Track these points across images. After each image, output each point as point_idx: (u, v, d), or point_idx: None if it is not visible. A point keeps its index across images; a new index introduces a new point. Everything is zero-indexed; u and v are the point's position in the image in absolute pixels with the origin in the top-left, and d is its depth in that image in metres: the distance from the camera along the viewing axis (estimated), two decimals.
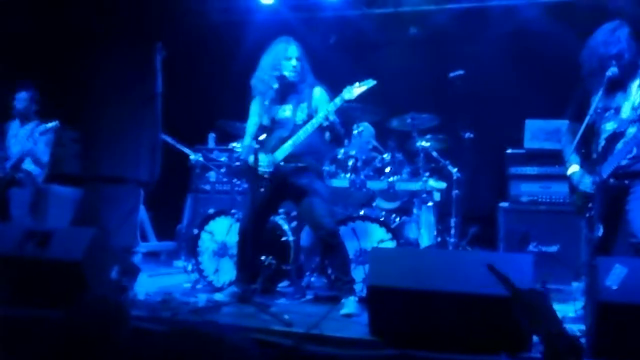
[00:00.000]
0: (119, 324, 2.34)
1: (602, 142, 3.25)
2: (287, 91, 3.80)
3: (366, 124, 4.79)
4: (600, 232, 3.14)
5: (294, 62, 3.73)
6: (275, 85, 3.73)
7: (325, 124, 3.58)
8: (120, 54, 6.15)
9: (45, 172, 5.36)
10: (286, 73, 3.71)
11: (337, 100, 3.57)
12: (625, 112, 3.18)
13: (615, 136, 3.18)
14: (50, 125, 5.05)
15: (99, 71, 6.29)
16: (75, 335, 2.29)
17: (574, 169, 3.34)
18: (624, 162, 3.13)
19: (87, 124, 5.97)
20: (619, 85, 3.21)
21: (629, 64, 3.18)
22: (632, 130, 3.14)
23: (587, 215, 3.28)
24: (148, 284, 4.29)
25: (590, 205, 3.25)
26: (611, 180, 3.15)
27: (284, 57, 3.73)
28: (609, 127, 3.24)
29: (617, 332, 2.46)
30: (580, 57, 3.33)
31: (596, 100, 3.19)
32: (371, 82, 3.56)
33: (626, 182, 3.15)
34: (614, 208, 3.18)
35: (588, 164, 3.33)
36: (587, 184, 3.24)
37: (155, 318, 3.22)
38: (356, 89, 3.54)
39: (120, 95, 6.17)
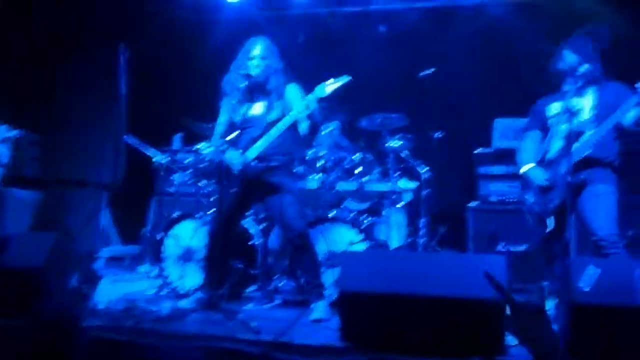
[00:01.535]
0: (70, 336, 2.24)
1: (561, 142, 3.36)
2: (255, 90, 3.74)
3: (336, 122, 4.72)
4: (552, 227, 3.29)
5: (256, 61, 3.68)
6: (243, 85, 3.65)
7: (303, 116, 3.50)
8: (82, 54, 5.96)
9: (3, 173, 5.17)
10: (251, 72, 3.65)
11: (310, 98, 3.49)
12: (585, 114, 3.34)
13: (575, 135, 3.25)
14: (11, 133, 4.93)
15: (60, 72, 6.09)
16: (27, 347, 2.19)
17: (529, 166, 3.48)
18: (580, 159, 3.24)
19: (47, 125, 5.77)
20: (579, 91, 3.34)
21: (593, 70, 3.32)
22: (590, 130, 3.26)
23: (537, 211, 3.41)
24: (111, 291, 4.15)
25: (541, 201, 3.37)
26: (568, 177, 3.19)
27: (248, 57, 3.70)
28: (567, 127, 3.31)
29: (590, 334, 2.44)
30: (551, 63, 3.48)
31: (561, 103, 3.27)
32: (345, 78, 3.48)
33: (582, 177, 3.23)
34: (571, 205, 3.21)
35: (544, 162, 3.46)
36: (542, 178, 3.38)
37: (116, 328, 3.09)
38: (329, 86, 3.47)
39: (82, 97, 5.98)
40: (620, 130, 3.28)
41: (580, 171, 3.23)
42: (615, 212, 3.19)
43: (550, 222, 3.29)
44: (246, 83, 3.67)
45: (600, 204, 3.19)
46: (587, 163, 3.24)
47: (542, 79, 3.59)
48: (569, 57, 3.37)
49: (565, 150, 3.23)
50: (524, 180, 3.53)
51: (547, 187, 3.36)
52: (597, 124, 3.24)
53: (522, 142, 3.66)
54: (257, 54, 3.69)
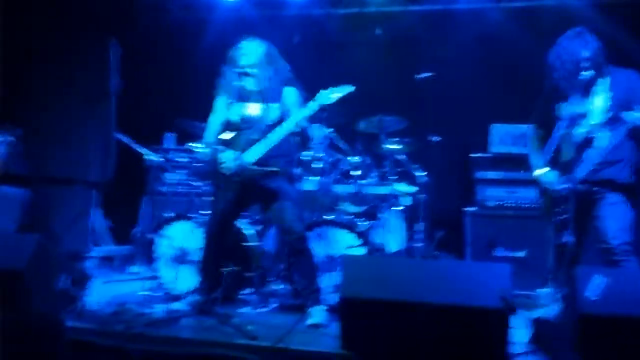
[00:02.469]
0: (54, 339, 2.18)
1: (573, 148, 3.25)
2: (251, 89, 3.65)
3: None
4: (570, 237, 3.17)
5: (252, 59, 3.59)
6: (238, 83, 3.58)
7: (297, 129, 3.43)
8: (72, 49, 5.85)
9: None
10: (246, 70, 3.58)
11: (312, 105, 3.41)
12: (595, 117, 3.19)
13: (586, 142, 3.18)
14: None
15: (47, 68, 5.98)
16: (10, 349, 2.13)
17: (542, 170, 3.35)
18: (594, 168, 3.14)
19: (33, 121, 5.64)
20: (588, 88, 3.20)
21: (597, 67, 3.17)
22: (602, 134, 3.14)
23: (555, 219, 3.28)
24: (101, 292, 4.05)
25: (558, 209, 3.25)
26: (583, 186, 3.13)
27: (243, 55, 3.62)
28: (580, 130, 3.24)
29: (598, 344, 2.38)
30: (549, 62, 3.30)
31: (569, 105, 3.17)
32: (348, 88, 3.41)
33: (597, 188, 3.15)
34: (583, 214, 3.18)
35: (558, 167, 3.33)
36: (557, 186, 3.25)
37: (106, 332, 2.99)
38: (332, 95, 3.39)
39: (69, 93, 5.87)
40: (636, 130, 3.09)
41: (593, 179, 3.14)
42: (629, 221, 3.11)
43: (569, 233, 3.17)
44: (241, 81, 3.58)
45: (615, 213, 3.11)
46: (600, 171, 3.14)
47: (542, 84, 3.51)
48: (567, 63, 3.18)
49: (577, 158, 3.15)
50: (540, 185, 3.38)
51: (561, 195, 3.24)
52: (609, 126, 3.11)
53: (530, 141, 3.51)
54: (252, 52, 3.61)
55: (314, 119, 4.47)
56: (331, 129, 4.56)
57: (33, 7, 5.70)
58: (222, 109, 3.69)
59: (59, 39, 5.81)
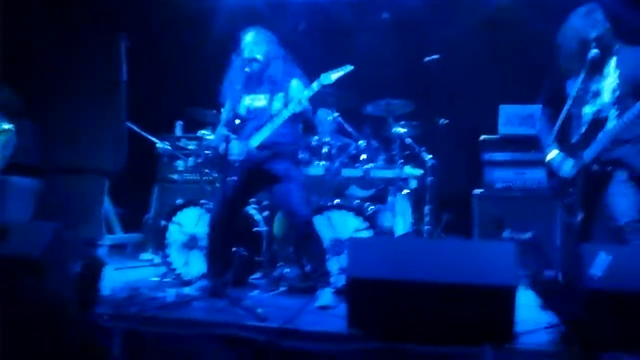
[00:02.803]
0: (71, 323, 2.24)
1: (584, 127, 3.22)
2: (256, 79, 3.70)
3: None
4: (580, 217, 3.14)
5: (254, 50, 3.64)
6: (243, 75, 3.63)
7: (299, 109, 3.44)
8: (82, 41, 5.91)
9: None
10: (251, 62, 3.63)
11: (314, 85, 3.45)
12: (606, 95, 3.15)
13: (598, 121, 3.14)
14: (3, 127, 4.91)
15: (58, 59, 6.04)
16: (28, 334, 2.19)
17: (553, 153, 3.30)
18: (604, 148, 3.10)
19: (45, 112, 5.72)
20: (597, 68, 3.17)
21: (606, 46, 3.14)
22: (613, 113, 3.11)
23: (566, 200, 3.26)
24: (115, 278, 4.12)
25: (570, 190, 3.23)
26: (594, 166, 3.11)
27: (245, 46, 3.68)
28: (589, 110, 3.21)
29: (604, 321, 2.40)
30: (556, 41, 3.29)
31: (577, 84, 3.15)
32: (348, 67, 3.45)
33: (609, 168, 3.12)
34: (594, 194, 3.15)
35: (567, 148, 3.29)
36: (567, 169, 3.22)
37: (119, 316, 3.06)
38: (334, 75, 3.43)
39: (80, 84, 5.93)
40: None
41: (604, 159, 3.11)
42: (637, 198, 3.05)
43: (579, 214, 3.15)
44: (247, 72, 3.63)
45: (624, 191, 3.06)
46: (611, 150, 3.10)
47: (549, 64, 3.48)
48: (575, 43, 3.15)
49: (586, 138, 3.12)
50: (549, 167, 3.33)
51: (571, 178, 3.21)
52: (619, 105, 3.07)
53: (539, 122, 3.47)
54: (258, 43, 3.66)
55: (321, 103, 4.52)
56: (338, 113, 4.59)
57: (44, 2, 5.77)
58: (231, 102, 3.75)
59: (69, 32, 5.87)
